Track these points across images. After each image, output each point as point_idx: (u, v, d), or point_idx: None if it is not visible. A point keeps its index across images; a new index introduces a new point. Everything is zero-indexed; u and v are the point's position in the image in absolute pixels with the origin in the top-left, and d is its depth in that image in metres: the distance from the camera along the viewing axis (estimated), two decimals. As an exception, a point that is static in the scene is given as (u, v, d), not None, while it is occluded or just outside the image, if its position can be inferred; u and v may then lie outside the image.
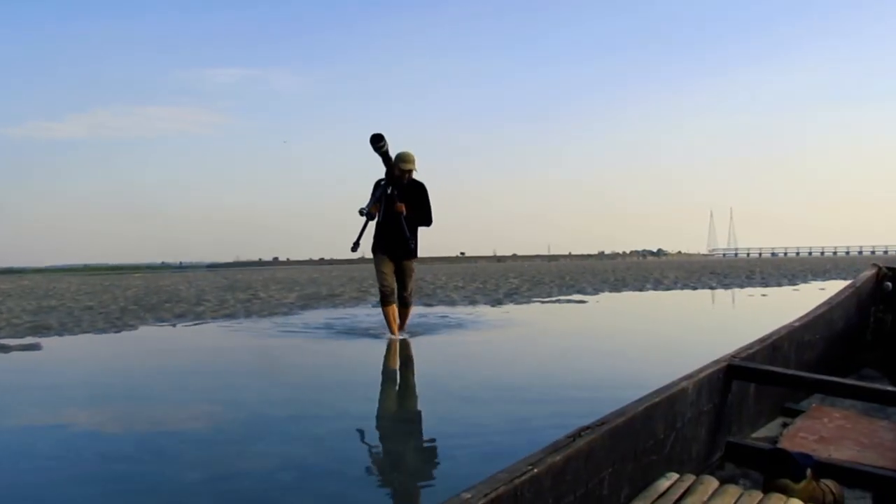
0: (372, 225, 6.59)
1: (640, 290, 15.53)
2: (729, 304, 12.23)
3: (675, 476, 1.91)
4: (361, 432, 3.46)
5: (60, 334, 8.12)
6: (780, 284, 16.64)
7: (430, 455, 3.03)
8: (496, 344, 6.75)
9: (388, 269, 6.63)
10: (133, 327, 8.78)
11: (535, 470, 1.43)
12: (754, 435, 2.70)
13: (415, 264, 6.79)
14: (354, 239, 6.49)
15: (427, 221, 6.68)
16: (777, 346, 2.92)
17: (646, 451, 1.90)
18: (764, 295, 13.21)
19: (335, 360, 6.13)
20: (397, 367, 5.75)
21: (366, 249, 6.84)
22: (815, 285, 16.37)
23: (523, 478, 1.39)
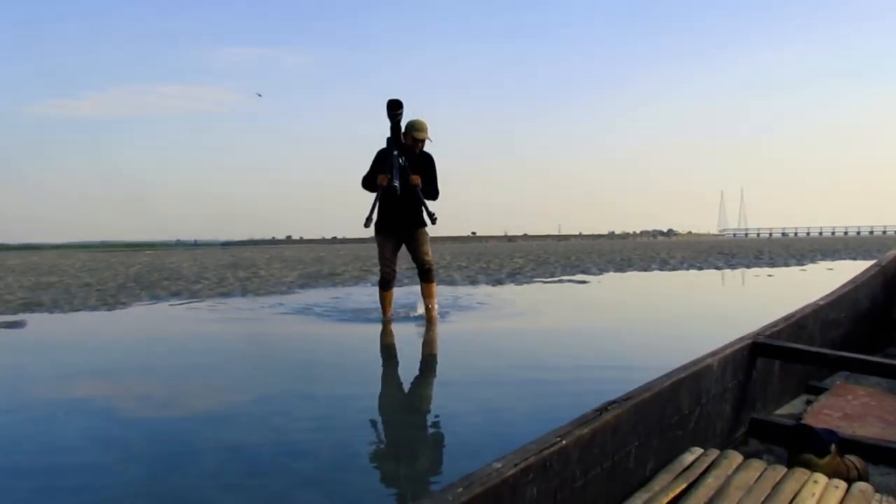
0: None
1: (646, 270, 15.22)
2: (733, 285, 11.88)
3: (699, 451, 1.91)
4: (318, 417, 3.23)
5: (51, 311, 7.95)
6: (787, 265, 16.28)
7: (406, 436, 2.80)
8: (483, 326, 6.38)
9: (392, 250, 6.09)
10: (125, 305, 8.58)
11: (564, 442, 1.45)
12: (778, 412, 2.69)
13: (427, 230, 6.14)
14: (367, 213, 5.88)
15: (434, 195, 6.08)
16: (801, 324, 2.92)
17: (671, 425, 1.92)
18: (770, 275, 12.87)
19: (313, 344, 5.74)
20: (378, 351, 5.49)
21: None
22: (823, 265, 16.05)
23: (552, 449, 1.41)
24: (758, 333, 2.55)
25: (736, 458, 1.87)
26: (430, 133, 5.96)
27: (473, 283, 11.49)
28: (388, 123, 5.82)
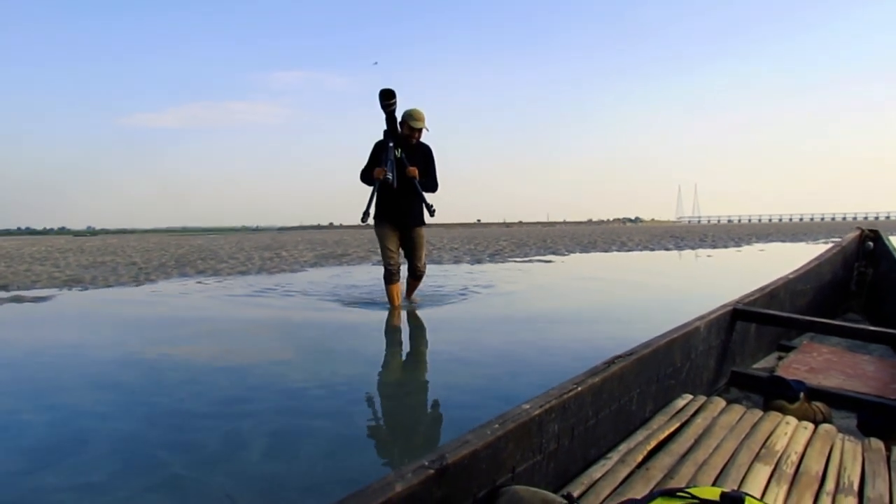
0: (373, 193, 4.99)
1: (606, 251, 14.55)
2: (675, 263, 11.14)
3: (689, 397, 1.93)
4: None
5: (85, 288, 7.42)
6: (726, 247, 15.55)
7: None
8: (454, 300, 5.79)
9: (395, 244, 4.96)
10: (153, 282, 8.05)
11: (579, 388, 1.45)
12: (754, 366, 2.68)
13: (425, 231, 5.08)
14: (364, 208, 4.76)
15: (434, 187, 4.94)
16: (774, 294, 2.93)
17: (666, 376, 1.91)
18: (709, 255, 12.18)
19: (299, 322, 5.01)
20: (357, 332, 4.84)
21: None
22: (756, 247, 15.35)
23: (570, 394, 1.41)
24: (737, 301, 2.55)
25: (720, 403, 1.88)
26: (427, 123, 4.81)
27: (457, 262, 10.90)
28: (383, 116, 4.74)
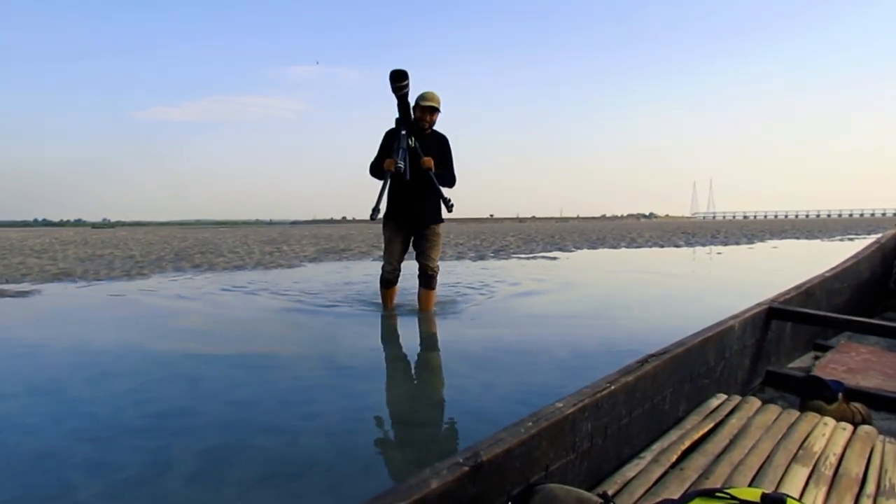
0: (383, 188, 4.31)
1: (615, 247, 14.23)
2: (683, 261, 10.82)
3: (723, 396, 1.90)
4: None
5: (74, 282, 7.26)
6: (738, 243, 15.18)
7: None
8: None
9: (400, 250, 4.40)
10: (145, 276, 7.87)
11: (612, 387, 1.43)
12: (790, 365, 2.62)
13: (442, 229, 4.42)
14: (373, 203, 4.09)
15: (451, 181, 4.34)
16: (810, 292, 2.87)
17: (700, 375, 1.88)
18: (719, 253, 11.86)
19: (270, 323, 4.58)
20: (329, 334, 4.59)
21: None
22: (769, 244, 14.99)
23: (603, 392, 1.40)
24: (772, 300, 2.51)
25: (755, 403, 1.85)
26: (441, 106, 4.23)
27: (459, 258, 10.64)
28: (395, 102, 4.18)
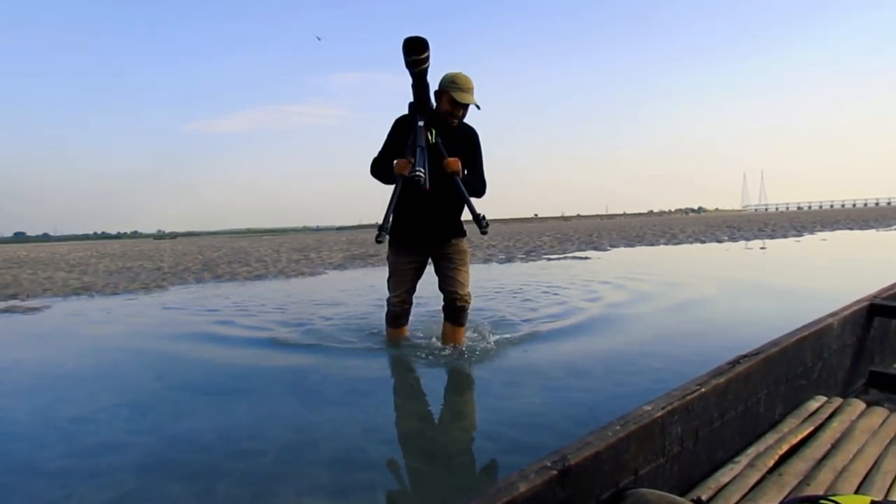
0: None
1: (653, 244, 13.66)
2: (718, 257, 10.19)
3: (823, 398, 1.81)
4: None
5: (91, 296, 7.24)
6: (785, 237, 14.38)
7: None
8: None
9: (411, 275, 3.24)
10: (164, 289, 7.81)
11: (703, 389, 1.37)
12: None
13: (466, 244, 3.27)
14: (380, 222, 2.84)
15: (482, 190, 3.17)
16: None
17: (796, 376, 1.78)
18: (762, 248, 11.18)
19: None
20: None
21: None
22: (819, 236, 14.18)
23: (693, 395, 1.35)
24: (874, 295, 2.37)
25: (859, 405, 1.77)
26: (476, 97, 3.05)
27: (486, 261, 10.30)
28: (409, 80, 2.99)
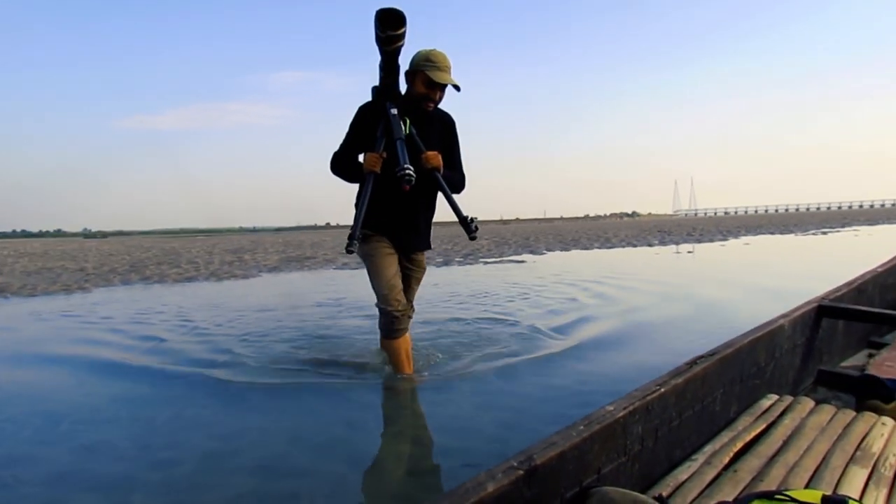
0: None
1: (587, 248, 13.98)
2: (645, 261, 10.51)
3: (775, 397, 1.87)
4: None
5: (6, 297, 6.86)
6: (711, 241, 15.00)
7: None
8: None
9: (396, 269, 2.70)
10: (87, 291, 7.48)
11: (662, 389, 1.41)
12: (843, 364, 2.56)
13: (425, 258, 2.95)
14: (350, 229, 2.43)
15: (462, 184, 2.77)
16: (862, 288, 2.82)
17: (750, 375, 1.83)
18: (689, 252, 11.63)
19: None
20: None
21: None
22: (742, 240, 14.84)
23: (653, 395, 1.38)
24: (822, 297, 2.46)
25: (808, 403, 1.82)
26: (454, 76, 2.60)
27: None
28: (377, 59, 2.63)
